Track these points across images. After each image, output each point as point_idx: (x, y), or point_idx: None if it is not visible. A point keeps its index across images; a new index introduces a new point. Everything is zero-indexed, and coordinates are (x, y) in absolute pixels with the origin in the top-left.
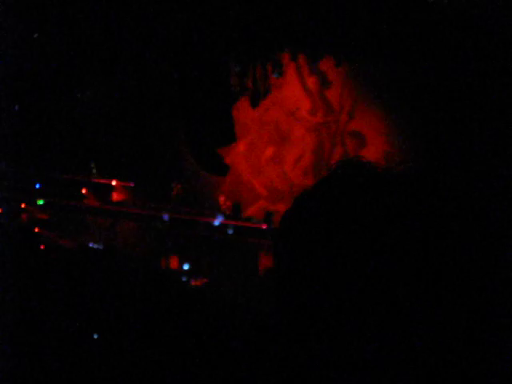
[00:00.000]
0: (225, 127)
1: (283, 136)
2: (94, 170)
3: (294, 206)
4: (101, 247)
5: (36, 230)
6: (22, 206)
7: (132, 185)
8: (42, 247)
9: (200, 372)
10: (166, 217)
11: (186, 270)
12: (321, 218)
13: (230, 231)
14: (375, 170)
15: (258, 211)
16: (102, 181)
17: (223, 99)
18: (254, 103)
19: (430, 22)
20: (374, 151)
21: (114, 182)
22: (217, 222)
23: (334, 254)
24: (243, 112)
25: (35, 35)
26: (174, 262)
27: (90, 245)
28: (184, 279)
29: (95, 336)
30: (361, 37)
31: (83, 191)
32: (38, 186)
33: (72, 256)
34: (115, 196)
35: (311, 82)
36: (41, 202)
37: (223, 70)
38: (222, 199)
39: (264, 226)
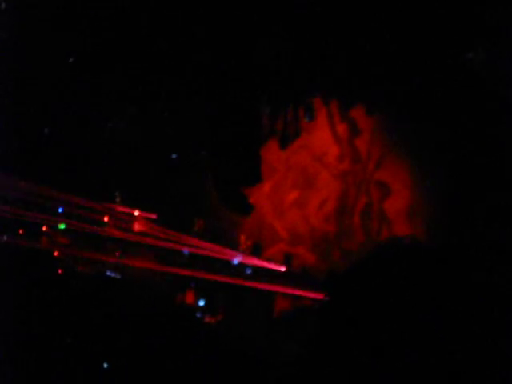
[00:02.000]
0: (251, 167)
1: (309, 180)
2: (118, 199)
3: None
4: (118, 276)
5: (55, 253)
6: (44, 228)
7: (154, 217)
8: (59, 271)
9: None
10: (185, 251)
11: (201, 306)
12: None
13: (249, 271)
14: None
15: (277, 253)
16: (125, 210)
17: (252, 139)
18: (283, 145)
19: (464, 75)
20: (398, 202)
21: (136, 213)
22: (236, 261)
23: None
24: (271, 153)
25: (71, 60)
26: (189, 297)
27: (108, 273)
28: (199, 315)
29: (105, 365)
30: (393, 87)
31: (105, 219)
32: (60, 210)
33: (89, 283)
34: (137, 226)
35: (341, 128)
36: (62, 227)
37: (254, 110)
38: (242, 238)
39: (283, 269)
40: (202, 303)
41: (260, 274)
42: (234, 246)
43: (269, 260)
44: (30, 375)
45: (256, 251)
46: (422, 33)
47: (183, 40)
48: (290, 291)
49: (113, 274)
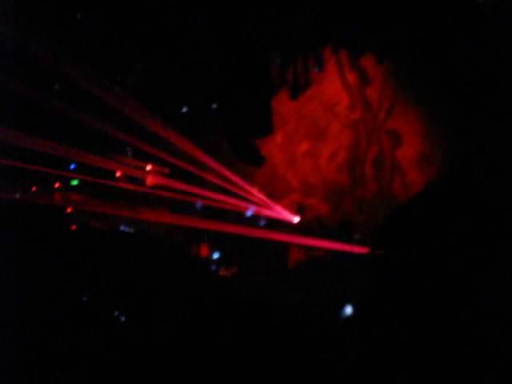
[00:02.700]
0: (263, 118)
1: (320, 130)
2: (130, 153)
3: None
4: (132, 231)
5: (68, 210)
6: (56, 185)
7: (167, 170)
8: (73, 227)
9: (228, 356)
10: (198, 204)
11: (215, 259)
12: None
13: (262, 222)
14: None
15: (290, 204)
16: (138, 164)
17: (263, 90)
18: (293, 96)
19: (474, 25)
20: (409, 151)
21: (148, 167)
22: (249, 213)
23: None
24: (282, 104)
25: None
26: (204, 250)
27: (122, 228)
28: (214, 268)
29: (122, 318)
30: (404, 36)
31: (117, 174)
32: (72, 167)
33: (103, 238)
34: (149, 180)
35: (351, 78)
36: (75, 183)
37: (265, 61)
38: (255, 190)
39: (296, 219)
40: (216, 256)
41: (273, 225)
42: (248, 198)
43: (282, 211)
44: (43, 332)
45: (269, 202)
46: None
47: None
48: (303, 241)
49: (126, 229)
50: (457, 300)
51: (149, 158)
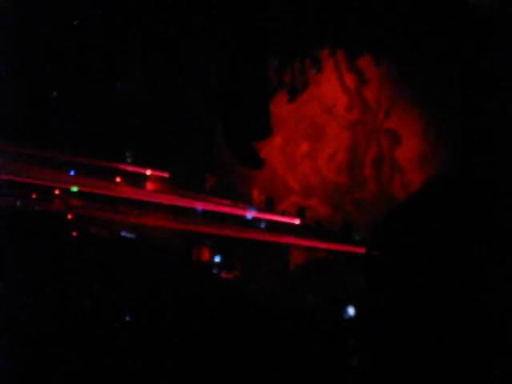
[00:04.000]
0: (262, 121)
1: (319, 132)
2: (130, 159)
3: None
4: (133, 236)
5: (69, 216)
6: (56, 192)
7: (167, 175)
8: (74, 234)
9: (229, 361)
10: (199, 208)
11: (217, 263)
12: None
13: (263, 225)
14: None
15: (290, 206)
16: (137, 170)
17: (261, 93)
18: (292, 98)
19: (471, 25)
20: (408, 151)
21: (148, 172)
22: (250, 216)
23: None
24: (280, 106)
25: (75, 22)
26: (205, 254)
27: (122, 233)
28: (215, 271)
29: (123, 323)
30: (400, 36)
31: (117, 179)
32: (72, 173)
33: (104, 244)
34: (149, 185)
35: (349, 79)
36: (75, 189)
37: (262, 63)
38: (255, 193)
39: (297, 221)
40: (218, 259)
41: (275, 227)
42: (248, 201)
43: (283, 213)
44: (41, 336)
45: (269, 205)
46: None
47: None
48: (304, 243)
49: (128, 235)
50: (457, 301)
51: (148, 163)
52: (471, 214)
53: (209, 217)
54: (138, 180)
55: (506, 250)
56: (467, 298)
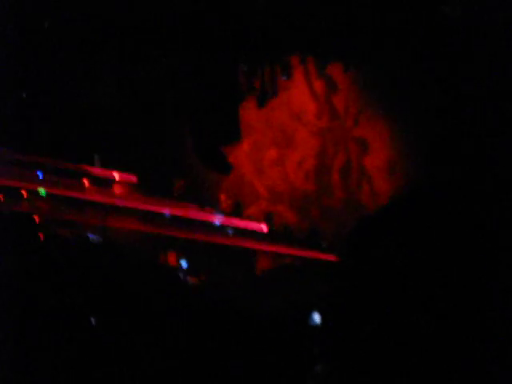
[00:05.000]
0: (230, 126)
1: (287, 138)
2: (98, 162)
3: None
4: (99, 239)
5: (36, 218)
6: (24, 194)
7: (134, 179)
8: (41, 236)
9: (198, 367)
10: (167, 213)
11: (183, 267)
12: None
13: (230, 230)
14: None
15: (257, 212)
16: (105, 173)
17: (230, 98)
18: (261, 104)
19: (440, 30)
20: (377, 159)
21: (116, 175)
22: (217, 221)
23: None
24: (249, 112)
25: (46, 24)
26: (171, 259)
27: (89, 236)
28: (181, 276)
29: (92, 321)
30: (369, 43)
31: (85, 182)
32: (40, 175)
33: (70, 246)
34: (117, 189)
35: (318, 85)
36: (42, 192)
37: (232, 68)
38: (222, 197)
39: (264, 227)
40: (184, 264)
41: (241, 233)
42: (215, 206)
43: (250, 219)
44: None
45: (236, 210)
46: None
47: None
48: (271, 249)
49: (95, 237)
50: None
51: (117, 167)
52: (440, 221)
53: (176, 221)
54: (105, 183)
55: (477, 254)
56: (438, 307)
